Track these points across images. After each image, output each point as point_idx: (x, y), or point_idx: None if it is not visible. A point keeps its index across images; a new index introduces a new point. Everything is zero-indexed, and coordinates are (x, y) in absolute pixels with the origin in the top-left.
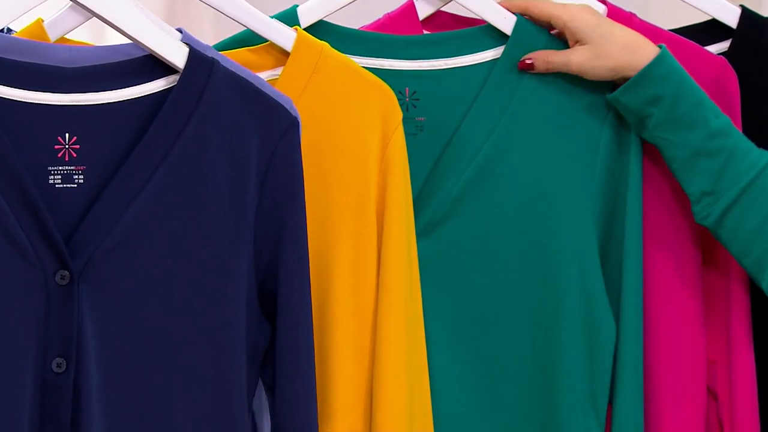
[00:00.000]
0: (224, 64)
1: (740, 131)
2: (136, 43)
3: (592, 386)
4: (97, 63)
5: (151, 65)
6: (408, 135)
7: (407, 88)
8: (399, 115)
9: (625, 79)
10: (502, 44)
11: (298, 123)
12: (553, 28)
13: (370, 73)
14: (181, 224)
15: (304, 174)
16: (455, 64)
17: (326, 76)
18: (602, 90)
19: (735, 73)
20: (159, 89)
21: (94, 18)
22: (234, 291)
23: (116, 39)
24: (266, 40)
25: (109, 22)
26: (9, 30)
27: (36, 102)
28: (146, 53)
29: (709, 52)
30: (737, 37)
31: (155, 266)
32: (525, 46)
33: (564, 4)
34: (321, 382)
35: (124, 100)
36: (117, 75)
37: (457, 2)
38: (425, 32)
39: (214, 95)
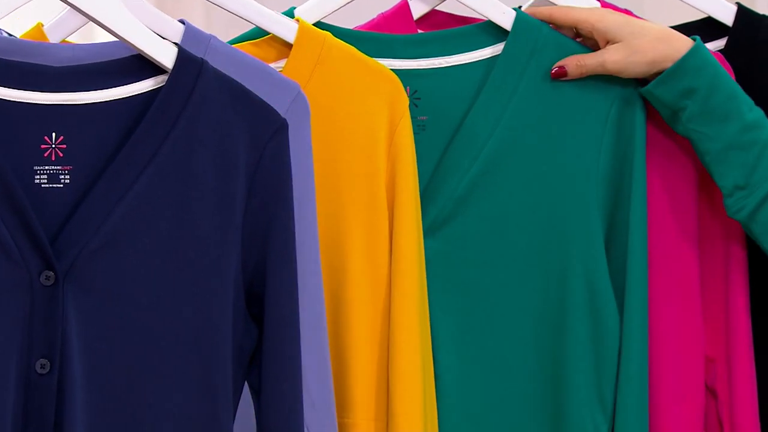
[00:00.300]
0: (228, 56)
1: None
2: (124, 43)
3: (600, 382)
4: (99, 60)
5: (140, 65)
6: None
7: (408, 88)
8: (406, 101)
9: (658, 74)
10: (501, 41)
11: (287, 125)
12: (579, 36)
13: (375, 61)
14: (169, 225)
15: (313, 165)
16: (455, 62)
17: (330, 66)
18: (605, 84)
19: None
20: (147, 89)
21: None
22: (221, 292)
23: (104, 39)
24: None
25: (97, 20)
26: (9, 35)
27: (23, 101)
28: (135, 53)
29: None
30: (733, 34)
31: (141, 267)
32: (525, 41)
33: (588, 8)
34: (338, 372)
35: (112, 100)
36: (105, 74)
37: None
38: (420, 31)
39: (202, 95)
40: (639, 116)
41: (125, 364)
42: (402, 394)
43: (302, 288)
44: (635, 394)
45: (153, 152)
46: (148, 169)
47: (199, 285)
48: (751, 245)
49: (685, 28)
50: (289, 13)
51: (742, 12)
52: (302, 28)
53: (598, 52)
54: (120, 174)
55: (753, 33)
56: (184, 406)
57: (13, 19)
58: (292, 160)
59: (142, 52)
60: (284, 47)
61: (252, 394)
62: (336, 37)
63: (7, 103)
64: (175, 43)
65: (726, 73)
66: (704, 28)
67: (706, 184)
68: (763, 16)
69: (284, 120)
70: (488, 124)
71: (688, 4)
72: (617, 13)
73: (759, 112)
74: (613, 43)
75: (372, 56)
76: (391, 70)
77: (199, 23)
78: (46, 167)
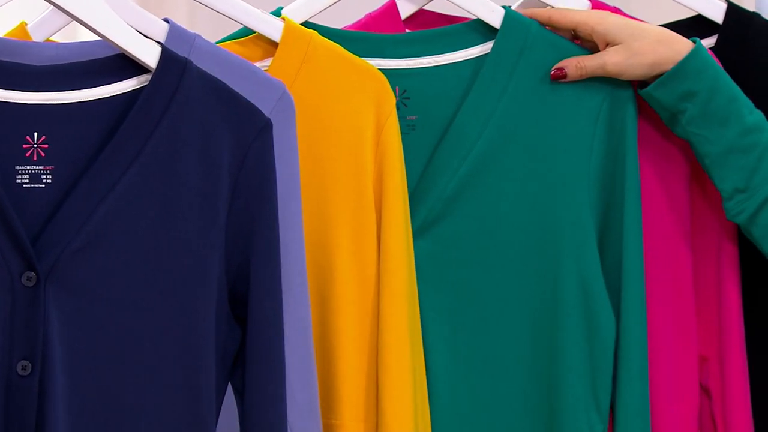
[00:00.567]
0: (213, 55)
1: None
2: (107, 42)
3: (594, 382)
4: (83, 59)
5: (123, 64)
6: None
7: (397, 87)
8: (392, 100)
9: (658, 76)
10: (490, 39)
11: (271, 125)
12: (577, 38)
13: (362, 59)
14: (151, 225)
15: (298, 165)
16: (444, 61)
17: (317, 65)
18: (596, 82)
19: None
20: (130, 89)
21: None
22: (204, 293)
23: (87, 38)
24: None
25: (79, 19)
26: None
27: (4, 100)
28: (118, 52)
29: None
30: (723, 32)
31: (124, 268)
32: (515, 40)
33: (587, 11)
34: (325, 372)
35: (94, 100)
36: (88, 74)
37: None
38: (408, 31)
39: (186, 95)
40: (630, 114)
41: (107, 365)
42: (391, 395)
43: (287, 288)
44: (637, 394)
45: (136, 152)
46: (130, 169)
47: (182, 285)
48: (744, 245)
49: (674, 26)
50: (277, 13)
51: (732, 9)
52: (288, 27)
53: (598, 54)
54: (102, 174)
55: (743, 30)
56: (167, 407)
57: None
58: (277, 160)
59: (125, 51)
60: (270, 46)
61: (235, 395)
62: (324, 36)
63: None
64: (159, 43)
65: (726, 75)
66: (694, 26)
67: (699, 183)
68: (753, 13)
69: (268, 120)
70: (478, 123)
71: (678, 2)
72: (616, 15)
73: (759, 114)
74: (613, 45)
75: (360, 56)
76: (380, 70)
77: (182, 22)
78: (28, 167)
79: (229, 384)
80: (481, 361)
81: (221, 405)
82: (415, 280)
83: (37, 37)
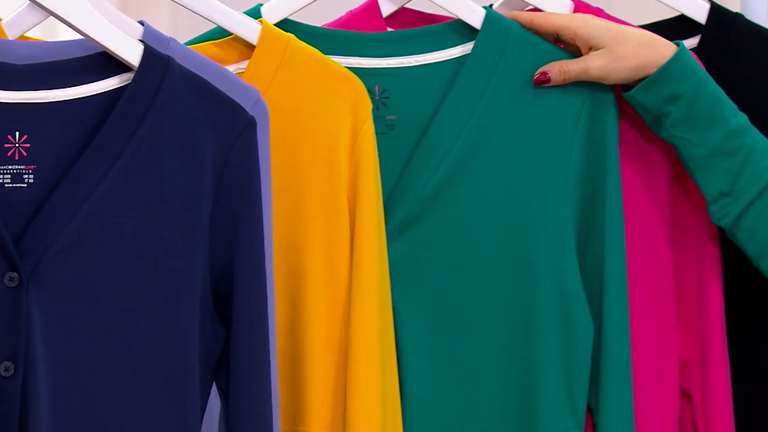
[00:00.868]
0: (188, 58)
1: None
2: (89, 40)
3: (570, 387)
4: (57, 59)
5: (105, 63)
6: (378, 134)
7: (377, 87)
8: (369, 106)
9: (642, 80)
10: (471, 40)
11: (255, 122)
12: (560, 42)
13: (339, 64)
14: (134, 225)
15: (273, 169)
16: (425, 61)
17: (293, 69)
18: (576, 84)
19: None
20: (113, 87)
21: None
22: (188, 293)
23: (67, 36)
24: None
25: (61, 17)
26: None
27: None
28: (100, 50)
29: None
30: (706, 32)
31: (107, 268)
32: (495, 41)
33: (569, 15)
34: (294, 379)
35: (76, 98)
36: (70, 72)
37: None
38: (389, 29)
39: (169, 94)
40: (611, 118)
41: (91, 366)
42: (358, 404)
43: None
44: (620, 399)
45: (118, 151)
46: (113, 169)
47: (165, 286)
48: (726, 248)
49: (657, 27)
50: (256, 10)
51: (715, 10)
52: (265, 30)
53: (582, 58)
54: (85, 173)
55: (726, 31)
56: (151, 407)
57: None
58: None
59: (108, 49)
60: (247, 48)
61: (220, 394)
62: (303, 34)
63: None
64: (141, 40)
65: (709, 78)
66: (677, 26)
67: (681, 186)
68: (736, 14)
69: (252, 118)
70: (457, 125)
71: (662, 2)
72: (599, 18)
73: (743, 117)
74: (596, 49)
75: (340, 55)
76: (360, 68)
77: (164, 24)
78: (10, 167)
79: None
80: (456, 364)
81: (206, 405)
82: (389, 286)
83: (12, 33)
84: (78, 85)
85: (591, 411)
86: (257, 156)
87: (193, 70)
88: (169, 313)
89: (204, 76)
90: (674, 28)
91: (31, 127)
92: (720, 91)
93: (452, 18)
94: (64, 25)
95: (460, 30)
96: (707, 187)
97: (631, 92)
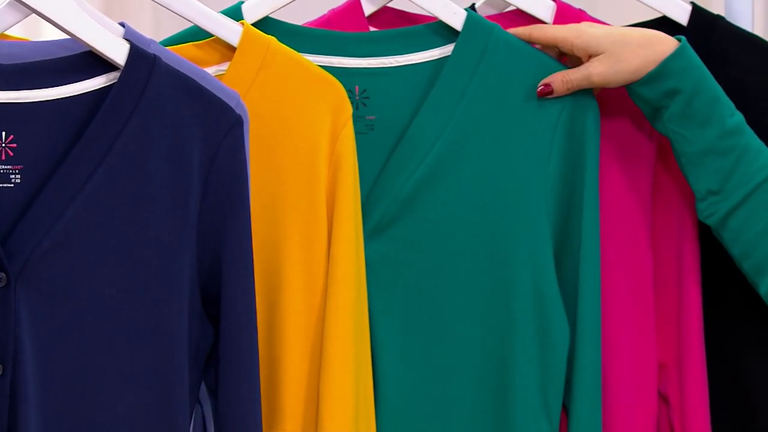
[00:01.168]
0: (168, 60)
1: None
2: (74, 39)
3: (545, 390)
4: (38, 59)
5: (91, 62)
6: (358, 134)
7: (357, 87)
8: (349, 110)
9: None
10: (452, 41)
11: (242, 121)
12: (564, 55)
13: (320, 68)
14: (122, 225)
15: (252, 171)
16: (405, 61)
17: (274, 72)
18: None
19: None
20: (99, 86)
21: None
22: (176, 293)
23: (51, 34)
24: (212, 36)
25: (47, 17)
26: None
27: None
28: (86, 49)
29: None
30: (688, 34)
31: (95, 268)
32: (476, 43)
33: (566, 26)
34: (270, 382)
35: (62, 98)
36: (55, 72)
37: None
38: (371, 29)
39: (155, 92)
40: (591, 123)
41: (79, 366)
42: (331, 405)
43: None
44: (589, 402)
45: (105, 150)
46: (100, 168)
47: (153, 285)
48: (705, 251)
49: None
50: (237, 8)
51: (697, 12)
52: (246, 32)
53: (583, 66)
54: (72, 173)
55: (707, 33)
56: (140, 407)
57: None
58: None
59: (93, 48)
60: (228, 50)
61: (209, 394)
62: (284, 33)
63: None
64: (127, 39)
65: (710, 75)
66: (659, 27)
67: (662, 190)
68: (718, 15)
69: (239, 116)
70: (436, 126)
71: (644, 3)
72: (595, 25)
73: (739, 117)
74: (596, 56)
75: (321, 54)
76: (340, 68)
77: (147, 25)
78: None
79: None
80: (431, 366)
81: (195, 404)
82: (365, 290)
83: None
84: (64, 84)
85: (566, 412)
86: (245, 155)
87: None
88: (158, 312)
89: None
90: (656, 29)
91: (18, 127)
92: (719, 89)
93: (434, 19)
94: (48, 23)
95: (441, 31)
96: (697, 184)
97: (632, 85)
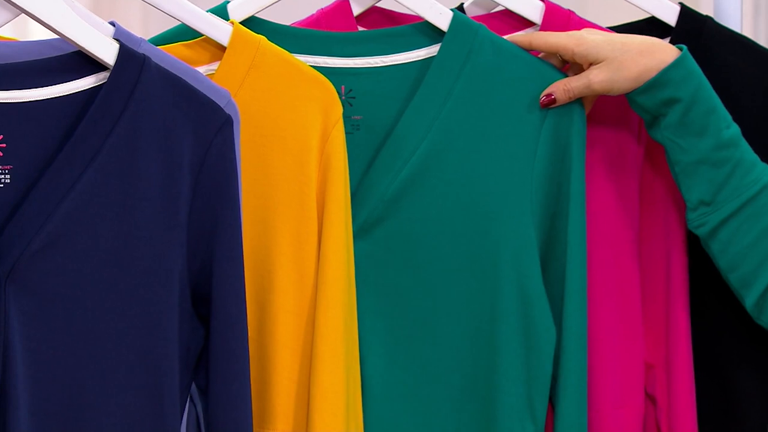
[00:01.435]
0: (159, 60)
1: None
2: (64, 39)
3: (530, 390)
4: (26, 59)
5: (81, 62)
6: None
7: (343, 86)
8: (339, 109)
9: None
10: (438, 42)
11: (232, 120)
12: (566, 63)
13: (310, 68)
14: (112, 225)
15: (242, 171)
16: (392, 61)
17: (264, 71)
18: (540, 91)
19: None
20: (89, 86)
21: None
22: (166, 293)
23: (40, 34)
24: (201, 35)
25: (36, 17)
26: None
27: None
28: (75, 49)
29: None
30: (676, 35)
31: (85, 268)
32: (462, 43)
33: (566, 34)
34: (260, 381)
35: (52, 98)
36: (45, 72)
37: None
38: (360, 28)
39: (145, 92)
40: (577, 124)
41: (70, 367)
42: (322, 407)
43: None
44: (575, 402)
45: (95, 151)
46: (90, 169)
47: (143, 285)
48: (692, 253)
49: (628, 28)
50: (222, 8)
51: (685, 12)
52: (236, 32)
53: (584, 73)
54: (61, 173)
55: (696, 33)
56: (130, 407)
57: None
58: None
59: (83, 48)
60: (218, 50)
61: (199, 394)
62: (270, 33)
63: None
64: (117, 39)
65: (709, 86)
66: (647, 28)
67: (649, 191)
68: (706, 16)
69: (229, 116)
70: (421, 126)
71: (632, 4)
72: (596, 31)
73: (735, 129)
74: (597, 64)
75: (307, 54)
76: (327, 68)
77: (135, 24)
78: None
79: None
80: (417, 365)
81: (185, 404)
82: (354, 289)
83: None
84: (54, 84)
85: (553, 412)
86: (235, 154)
87: None
88: (148, 312)
89: None
90: (645, 30)
91: (7, 127)
92: (717, 100)
93: (421, 19)
94: (36, 23)
95: (428, 32)
96: (689, 194)
97: (631, 93)
